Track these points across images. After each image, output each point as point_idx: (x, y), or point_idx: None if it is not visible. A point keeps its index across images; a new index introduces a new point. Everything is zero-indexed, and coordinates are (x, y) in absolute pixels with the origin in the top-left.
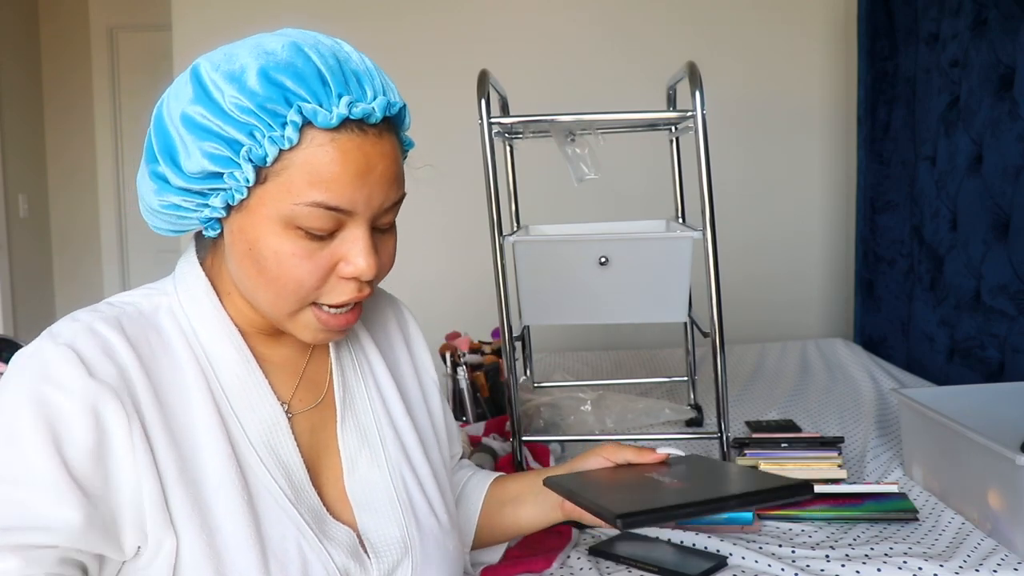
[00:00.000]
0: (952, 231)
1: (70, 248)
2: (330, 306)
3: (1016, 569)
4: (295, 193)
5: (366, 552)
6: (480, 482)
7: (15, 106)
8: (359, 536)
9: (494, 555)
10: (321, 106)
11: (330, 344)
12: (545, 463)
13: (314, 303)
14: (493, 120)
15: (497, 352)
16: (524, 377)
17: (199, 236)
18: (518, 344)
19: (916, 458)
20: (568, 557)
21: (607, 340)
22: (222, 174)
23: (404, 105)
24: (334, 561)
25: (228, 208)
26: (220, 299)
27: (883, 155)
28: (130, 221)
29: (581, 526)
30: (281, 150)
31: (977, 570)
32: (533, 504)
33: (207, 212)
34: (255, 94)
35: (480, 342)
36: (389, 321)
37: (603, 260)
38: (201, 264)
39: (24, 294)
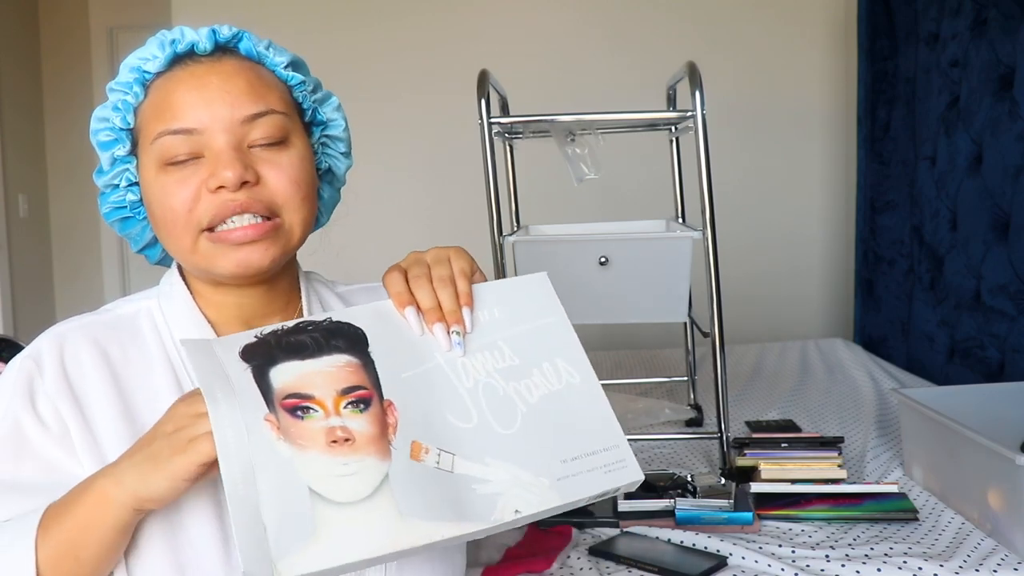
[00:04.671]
0: (952, 231)
1: (70, 248)
2: (213, 220)
3: (1016, 569)
4: (150, 133)
5: None
6: None
7: (15, 106)
8: None
9: (494, 554)
10: (155, 59)
11: None
12: None
13: (203, 230)
14: (493, 120)
15: None
16: None
17: None
18: None
19: (916, 458)
20: (568, 557)
21: (607, 340)
22: (116, 158)
23: (242, 32)
24: None
25: (138, 188)
26: (194, 298)
27: (883, 155)
28: None
29: (582, 526)
30: (135, 108)
31: (977, 570)
32: None
33: (128, 198)
34: (117, 79)
35: None
36: None
37: (603, 260)
38: (180, 270)
39: (24, 294)
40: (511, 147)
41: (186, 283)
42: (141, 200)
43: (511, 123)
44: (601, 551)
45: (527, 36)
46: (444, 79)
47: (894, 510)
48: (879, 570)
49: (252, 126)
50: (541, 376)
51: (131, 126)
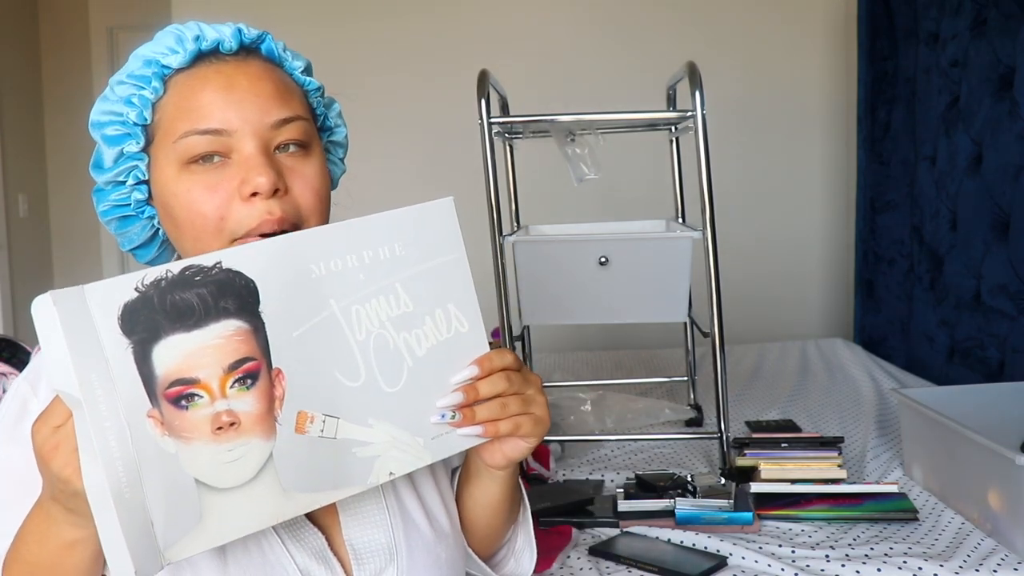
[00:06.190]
0: (952, 231)
1: (70, 248)
2: (249, 233)
3: (1016, 569)
4: (173, 131)
5: (337, 557)
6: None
7: (15, 106)
8: (333, 539)
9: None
10: (175, 53)
11: None
12: (545, 464)
13: (237, 240)
14: (493, 120)
15: None
16: None
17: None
18: (518, 344)
19: (916, 458)
20: (568, 557)
21: (607, 340)
22: (125, 154)
23: (265, 33)
24: (295, 561)
25: (147, 187)
26: None
27: (883, 155)
28: None
29: (582, 525)
30: (154, 104)
31: (977, 570)
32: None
33: (134, 196)
34: (127, 71)
35: None
36: None
37: (603, 260)
38: None
39: (24, 294)
40: (511, 147)
41: None
42: (147, 199)
43: (511, 123)
44: (601, 551)
45: (527, 36)
46: (444, 79)
47: (894, 510)
48: (879, 570)
49: (280, 131)
50: (432, 325)
51: (148, 122)
